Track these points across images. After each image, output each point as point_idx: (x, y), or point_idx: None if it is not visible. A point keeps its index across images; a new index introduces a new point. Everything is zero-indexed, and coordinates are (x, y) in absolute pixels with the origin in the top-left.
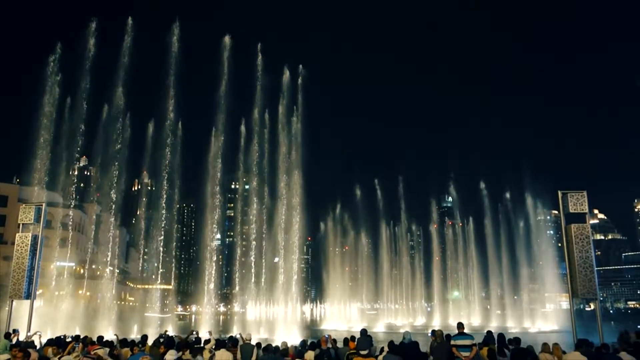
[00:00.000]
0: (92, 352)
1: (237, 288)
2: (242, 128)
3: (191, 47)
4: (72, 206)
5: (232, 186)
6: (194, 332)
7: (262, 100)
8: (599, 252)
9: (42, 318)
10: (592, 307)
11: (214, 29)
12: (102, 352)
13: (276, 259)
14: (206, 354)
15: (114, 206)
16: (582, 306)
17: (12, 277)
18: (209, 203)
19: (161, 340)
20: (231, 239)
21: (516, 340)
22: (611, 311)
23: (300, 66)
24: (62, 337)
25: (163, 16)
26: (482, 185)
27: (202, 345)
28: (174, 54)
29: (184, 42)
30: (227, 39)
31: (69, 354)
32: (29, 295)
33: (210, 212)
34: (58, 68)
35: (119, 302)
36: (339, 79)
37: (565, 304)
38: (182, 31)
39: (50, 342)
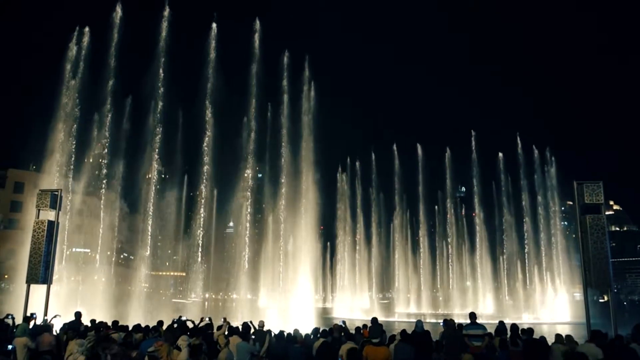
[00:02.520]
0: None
1: (249, 276)
2: (250, 117)
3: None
4: (87, 193)
5: (245, 174)
6: (207, 318)
7: (280, 88)
8: (613, 244)
9: (61, 302)
10: (606, 298)
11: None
12: (117, 336)
13: (288, 247)
14: (221, 340)
15: (126, 193)
16: (595, 297)
17: (29, 262)
18: (221, 191)
19: (175, 325)
20: (242, 227)
21: (529, 331)
22: (625, 303)
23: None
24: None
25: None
26: (496, 175)
27: (213, 330)
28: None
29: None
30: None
31: (84, 338)
32: (45, 280)
33: (222, 200)
34: (75, 54)
35: (133, 288)
36: (349, 60)
37: (578, 295)
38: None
39: (65, 327)
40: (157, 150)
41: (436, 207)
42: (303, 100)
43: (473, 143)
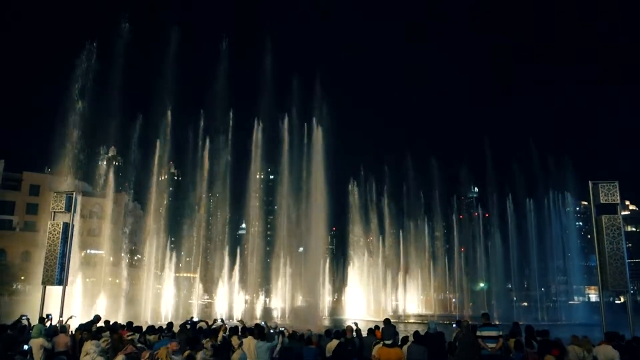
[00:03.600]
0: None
1: (261, 277)
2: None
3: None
4: (101, 195)
5: (257, 176)
6: (219, 320)
7: (292, 94)
8: (630, 244)
9: (76, 303)
10: (622, 299)
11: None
12: (133, 337)
13: (300, 249)
14: (235, 341)
15: (139, 195)
16: (611, 299)
17: (45, 264)
18: (234, 193)
19: (188, 326)
20: (255, 229)
21: (544, 332)
22: None
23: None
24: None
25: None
26: (509, 175)
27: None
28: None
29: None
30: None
31: (98, 339)
32: (60, 282)
33: (235, 202)
34: (89, 58)
35: (147, 289)
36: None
37: (593, 296)
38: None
39: (81, 327)
40: (168, 153)
41: (453, 203)
42: (315, 111)
43: (486, 146)
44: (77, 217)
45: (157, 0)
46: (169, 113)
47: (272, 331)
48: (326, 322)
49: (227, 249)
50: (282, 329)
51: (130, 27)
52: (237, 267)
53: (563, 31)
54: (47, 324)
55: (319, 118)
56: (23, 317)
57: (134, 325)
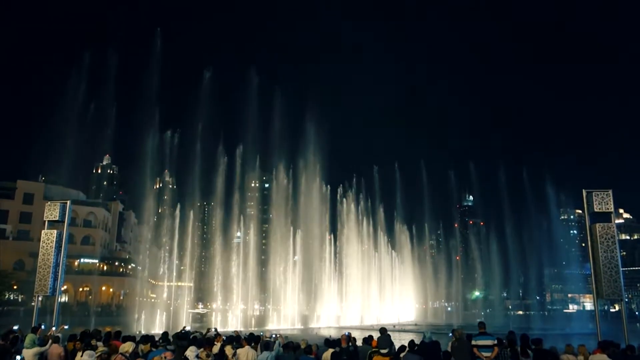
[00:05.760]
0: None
1: (256, 286)
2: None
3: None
4: (95, 204)
5: (252, 185)
6: (214, 329)
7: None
8: (624, 253)
9: (70, 312)
10: (617, 308)
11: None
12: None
13: (295, 257)
14: (229, 350)
15: (134, 204)
16: (606, 307)
17: (38, 273)
18: (227, 202)
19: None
20: (249, 237)
21: (538, 341)
22: (637, 313)
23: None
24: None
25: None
26: (504, 184)
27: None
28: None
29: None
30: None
31: (93, 349)
32: (54, 291)
33: (229, 210)
34: (83, 70)
35: (141, 299)
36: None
37: (588, 305)
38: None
39: (72, 338)
40: (164, 161)
41: (448, 212)
42: (309, 121)
43: (482, 154)
44: (74, 226)
45: (148, 6)
46: (163, 121)
47: (271, 340)
48: (323, 332)
49: (222, 258)
50: (274, 335)
51: (122, 35)
52: (232, 276)
53: (562, 36)
54: (38, 333)
55: (314, 128)
56: (15, 328)
57: (122, 335)
